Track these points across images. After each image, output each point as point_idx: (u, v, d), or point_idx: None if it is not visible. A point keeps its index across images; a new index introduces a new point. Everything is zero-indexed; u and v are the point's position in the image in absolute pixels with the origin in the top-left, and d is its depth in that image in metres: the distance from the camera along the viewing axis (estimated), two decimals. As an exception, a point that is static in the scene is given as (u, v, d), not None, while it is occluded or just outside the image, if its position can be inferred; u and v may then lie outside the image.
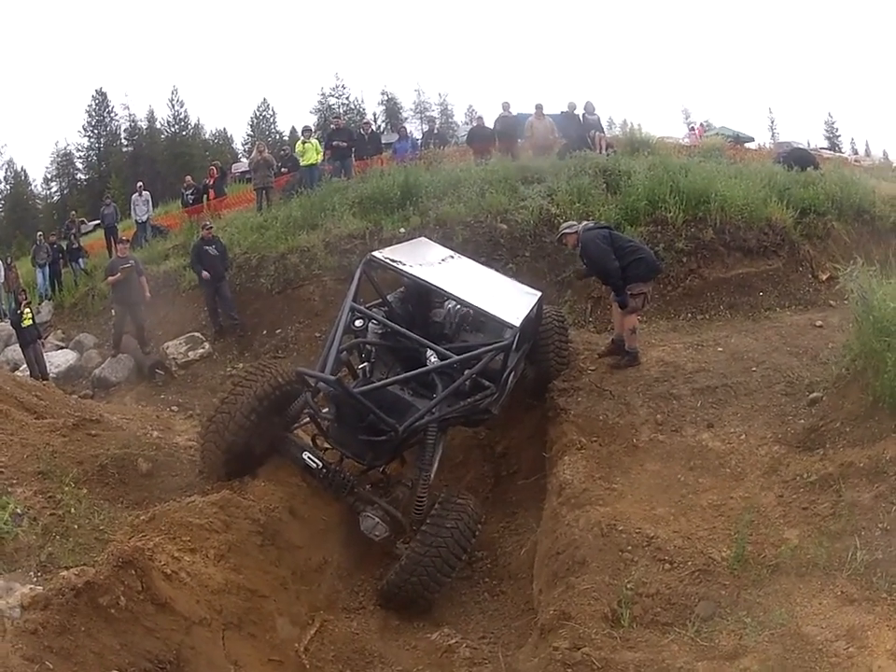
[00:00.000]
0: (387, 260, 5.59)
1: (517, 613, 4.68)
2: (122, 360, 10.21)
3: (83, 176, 48.59)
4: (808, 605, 3.05)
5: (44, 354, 10.55)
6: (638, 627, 3.24)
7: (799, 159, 11.73)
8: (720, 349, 7.02)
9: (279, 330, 9.94)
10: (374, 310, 5.90)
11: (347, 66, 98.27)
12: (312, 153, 12.50)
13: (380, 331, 5.58)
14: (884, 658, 2.59)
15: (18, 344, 10.98)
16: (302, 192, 11.92)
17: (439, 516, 4.77)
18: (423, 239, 7.57)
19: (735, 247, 8.82)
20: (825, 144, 46.90)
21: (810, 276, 8.87)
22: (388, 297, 6.19)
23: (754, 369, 6.31)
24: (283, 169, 13.89)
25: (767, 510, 4.02)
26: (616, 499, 4.47)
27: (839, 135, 54.86)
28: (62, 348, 11.60)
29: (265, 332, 10.07)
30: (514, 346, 5.32)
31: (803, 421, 5.03)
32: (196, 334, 10.15)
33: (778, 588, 3.27)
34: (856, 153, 42.85)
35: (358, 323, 5.47)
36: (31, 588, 3.52)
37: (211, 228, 10.55)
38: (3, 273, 14.17)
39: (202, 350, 9.89)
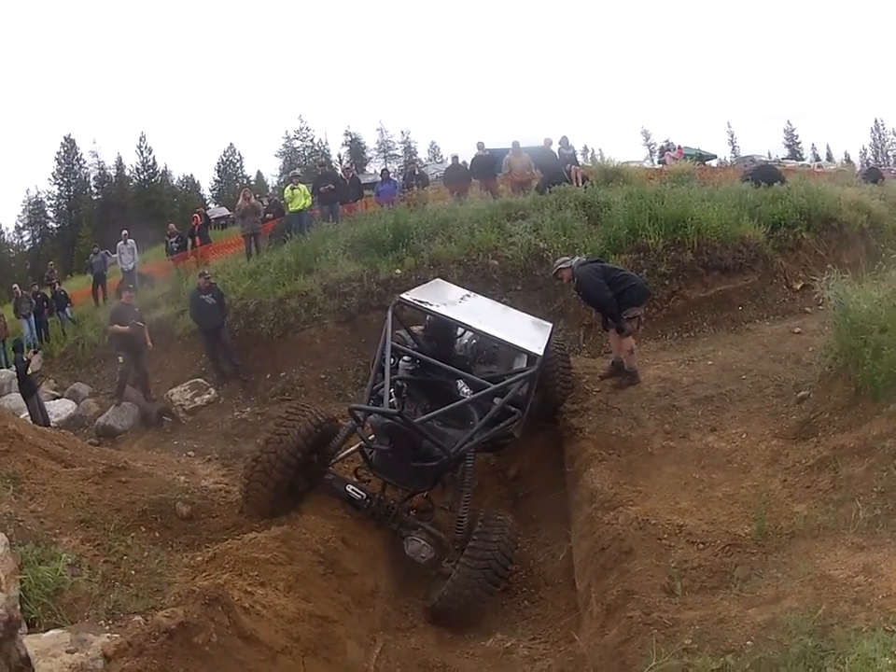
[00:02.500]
0: (416, 301, 6.03)
1: (560, 615, 5.05)
2: (127, 409, 10.24)
3: (54, 225, 48.40)
4: (826, 557, 3.57)
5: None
6: (691, 594, 3.73)
7: (765, 175, 12.67)
8: (709, 362, 7.62)
9: (283, 374, 10.19)
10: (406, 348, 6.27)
11: (311, 108, 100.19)
12: (300, 199, 12.89)
13: (410, 367, 5.97)
14: None
15: (14, 394, 10.93)
16: (292, 238, 12.25)
17: (483, 531, 5.13)
18: (439, 280, 8.04)
19: (713, 267, 9.50)
20: (786, 153, 49.02)
21: (785, 287, 9.60)
22: (411, 335, 6.59)
23: (744, 377, 6.93)
24: (268, 215, 14.26)
25: (775, 492, 4.55)
26: (643, 499, 4.96)
27: (799, 142, 57.36)
28: (57, 398, 11.55)
29: (269, 376, 10.30)
30: (537, 373, 5.79)
31: (795, 416, 5.62)
32: (200, 380, 10.32)
33: (799, 549, 3.79)
34: (818, 159, 44.77)
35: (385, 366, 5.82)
36: (109, 637, 3.56)
37: (209, 277, 10.78)
38: None
39: (207, 396, 10.05)
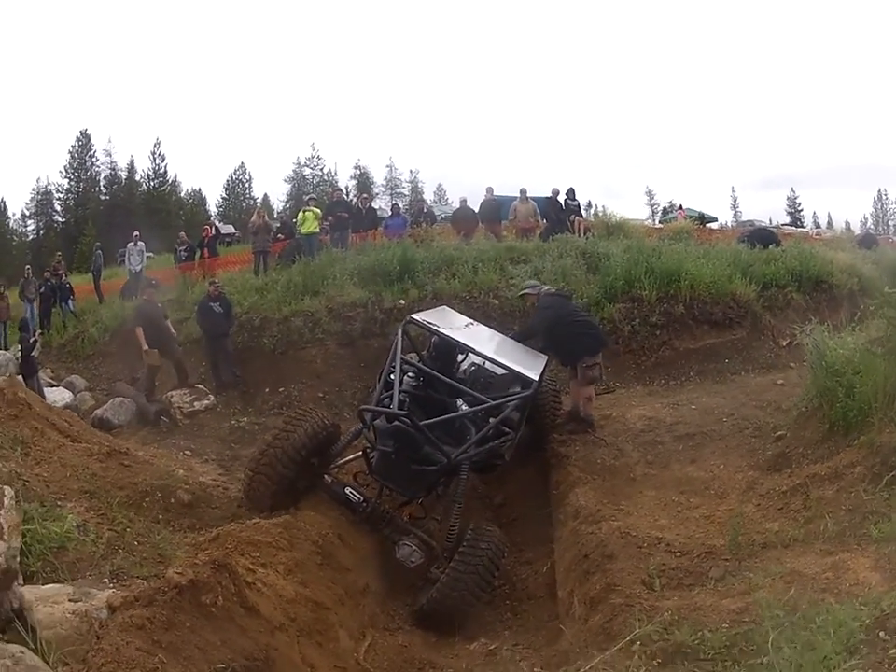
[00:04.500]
0: (425, 322, 6.44)
1: (541, 624, 5.27)
2: (125, 404, 10.38)
3: (60, 218, 48.62)
4: (797, 561, 3.86)
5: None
6: (668, 589, 4.03)
7: (761, 238, 13.20)
8: (693, 406, 8.01)
9: (282, 389, 10.52)
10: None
11: (323, 138, 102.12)
12: (312, 222, 13.39)
13: (413, 384, 6.32)
14: (864, 572, 3.41)
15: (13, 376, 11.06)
16: (301, 259, 12.74)
17: (473, 539, 5.41)
18: (445, 307, 8.48)
19: (703, 320, 9.99)
20: (787, 219, 50.42)
21: (771, 343, 10.03)
22: (418, 354, 6.97)
23: (725, 420, 7.31)
24: (279, 235, 14.74)
25: (750, 514, 4.87)
26: (625, 516, 5.27)
27: (801, 209, 58.79)
28: (53, 386, 11.63)
29: (268, 390, 10.61)
30: (533, 397, 6.17)
31: (770, 451, 5.99)
32: (200, 386, 10.57)
33: (770, 556, 4.09)
34: (818, 226, 46.05)
35: (392, 377, 6.15)
36: (114, 591, 3.62)
37: (219, 286, 11.17)
38: None
39: (206, 402, 10.27)
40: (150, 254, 19.45)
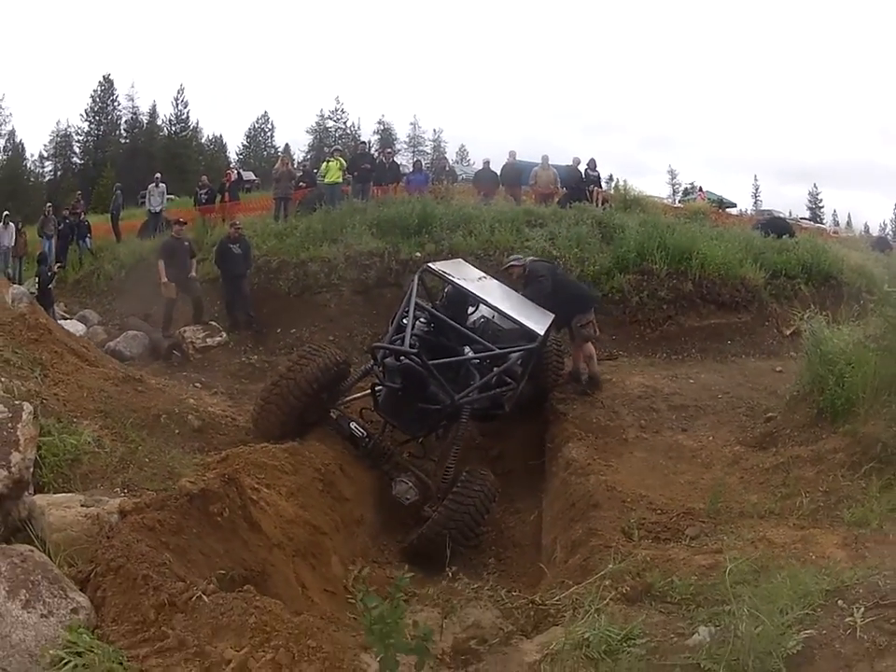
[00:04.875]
0: (441, 271, 6.62)
1: (522, 572, 5.53)
2: (138, 337, 10.69)
3: (79, 160, 48.45)
4: (770, 530, 4.09)
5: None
6: (646, 540, 4.30)
7: (776, 227, 13.24)
8: (691, 381, 8.23)
9: (294, 330, 10.76)
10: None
11: (348, 91, 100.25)
12: (335, 171, 13.48)
13: (425, 328, 6.53)
14: (832, 548, 3.61)
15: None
16: (322, 207, 12.87)
17: (467, 481, 5.66)
18: (461, 260, 8.64)
19: (711, 300, 10.12)
20: (806, 214, 49.70)
21: (775, 331, 10.16)
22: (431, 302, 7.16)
23: (720, 396, 7.55)
24: (301, 183, 14.83)
25: (732, 485, 5.14)
26: (613, 473, 5.54)
27: (822, 206, 57.79)
28: (66, 319, 11.79)
29: (279, 331, 10.85)
30: (537, 350, 6.38)
31: (759, 430, 6.25)
32: (213, 323, 10.80)
33: (746, 524, 4.33)
34: (837, 224, 45.48)
35: (405, 321, 6.38)
36: (125, 499, 3.82)
37: (240, 227, 11.35)
38: (14, 237, 14.39)
39: (219, 338, 10.51)
40: (172, 196, 19.58)
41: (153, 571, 2.83)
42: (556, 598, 3.56)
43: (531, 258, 8.25)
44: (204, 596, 2.73)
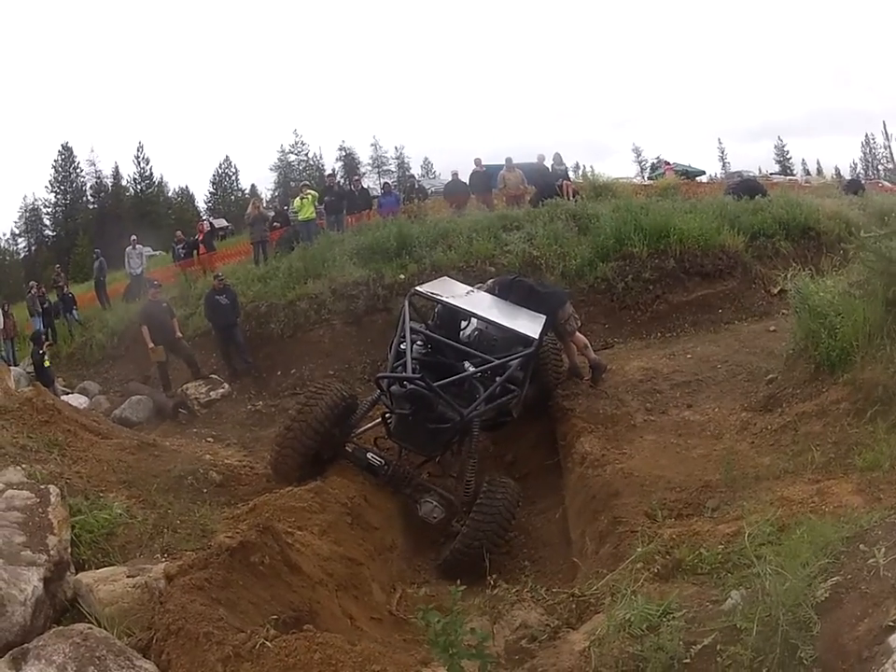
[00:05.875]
0: (429, 293, 6.79)
1: (558, 567, 5.65)
2: (142, 401, 10.73)
3: (50, 233, 48.84)
4: (787, 489, 4.21)
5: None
6: (670, 519, 4.43)
7: (748, 189, 13.45)
8: (688, 356, 8.41)
9: (294, 371, 10.89)
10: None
11: (305, 122, 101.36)
12: (308, 208, 13.65)
13: (423, 350, 6.68)
14: (847, 496, 3.75)
15: (25, 389, 11.39)
16: (300, 245, 13.02)
17: (490, 491, 5.79)
18: (446, 278, 8.82)
19: (695, 273, 10.33)
20: (776, 168, 50.12)
21: (763, 292, 10.37)
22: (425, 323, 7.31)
23: (719, 366, 7.73)
24: (275, 224, 15.00)
25: (744, 451, 5.28)
26: (628, 459, 5.65)
27: (790, 158, 58.23)
28: (67, 394, 11.84)
29: (280, 373, 10.99)
30: (535, 354, 6.54)
31: (762, 393, 6.37)
32: (214, 376, 10.94)
33: (762, 486, 4.46)
34: (808, 174, 45.93)
35: (403, 346, 6.52)
36: (168, 564, 3.95)
37: (223, 278, 11.49)
38: (2, 319, 14.34)
39: (221, 390, 10.63)
40: (161, 252, 19.62)
41: (212, 627, 2.96)
42: (594, 588, 3.69)
43: (490, 281, 8.27)
44: (268, 642, 2.86)
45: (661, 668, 2.51)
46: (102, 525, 4.51)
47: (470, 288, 7.87)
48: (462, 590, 5.40)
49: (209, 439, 9.25)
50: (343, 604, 4.54)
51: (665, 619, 2.80)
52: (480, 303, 7.19)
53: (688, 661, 2.55)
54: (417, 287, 7.15)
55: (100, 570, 4.00)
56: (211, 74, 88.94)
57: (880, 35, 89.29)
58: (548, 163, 14.48)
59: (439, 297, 6.86)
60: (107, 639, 2.98)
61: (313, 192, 14.21)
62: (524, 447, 7.86)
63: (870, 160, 58.97)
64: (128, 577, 3.90)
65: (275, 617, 3.55)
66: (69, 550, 4.04)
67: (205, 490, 6.17)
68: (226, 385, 10.76)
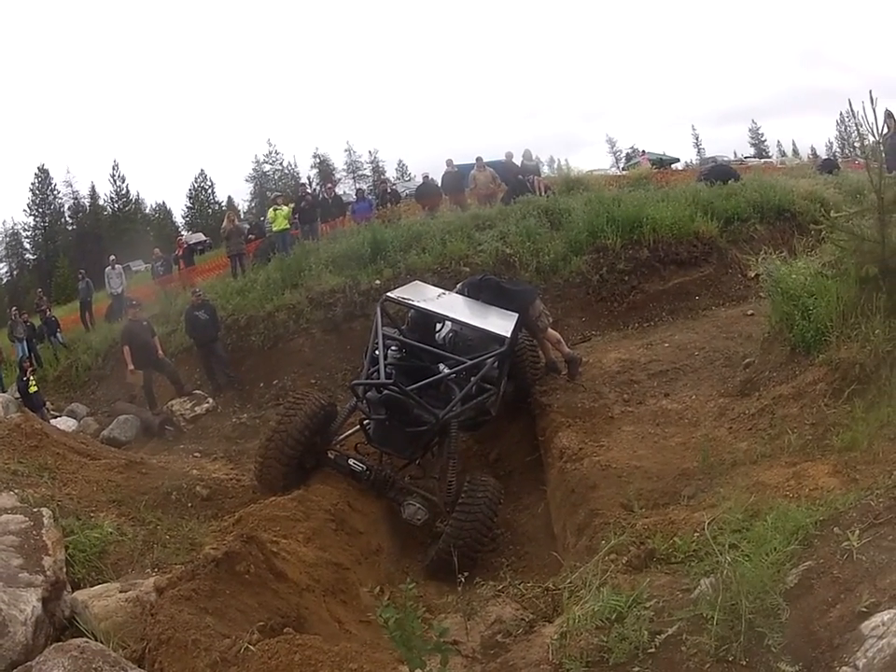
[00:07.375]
0: (401, 298, 6.85)
1: (543, 564, 5.68)
2: (129, 420, 10.74)
3: (31, 256, 48.72)
4: (763, 473, 4.26)
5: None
6: (646, 510, 4.46)
7: (720, 174, 13.54)
8: (666, 345, 8.48)
9: (276, 381, 10.90)
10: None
11: (279, 132, 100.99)
12: (282, 220, 13.65)
13: (398, 355, 6.73)
14: (824, 478, 3.77)
15: (13, 415, 11.32)
16: (276, 256, 13.01)
17: (471, 491, 5.85)
18: (417, 282, 8.81)
19: (670, 261, 10.41)
20: (752, 151, 50.31)
21: (740, 276, 10.45)
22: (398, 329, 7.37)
23: (696, 353, 7.80)
24: (251, 236, 14.99)
25: (721, 437, 5.32)
26: (605, 451, 5.70)
27: (765, 140, 58.48)
28: (55, 417, 11.83)
29: (262, 385, 11.00)
30: (508, 352, 6.61)
31: (739, 378, 6.42)
32: (198, 392, 10.95)
33: (739, 472, 4.50)
34: (783, 155, 46.28)
35: (377, 352, 6.54)
36: (158, 578, 4.05)
37: (201, 294, 11.49)
38: None
39: (206, 405, 10.67)
40: (148, 265, 19.41)
41: (200, 635, 3.07)
42: (568, 581, 3.75)
43: (457, 287, 8.25)
44: (251, 647, 2.98)
45: (625, 658, 2.57)
46: (94, 543, 4.62)
47: (442, 291, 7.93)
48: (441, 589, 5.63)
49: (196, 454, 9.26)
50: (331, 608, 4.58)
51: (633, 609, 2.84)
52: (451, 305, 7.25)
53: (652, 650, 2.59)
54: (389, 294, 7.20)
55: (94, 587, 4.11)
56: (182, 87, 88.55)
57: (850, 14, 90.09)
58: (517, 160, 14.55)
59: (410, 302, 6.92)
60: (103, 652, 3.05)
61: (285, 208, 14.24)
62: (507, 444, 7.93)
63: (845, 138, 59.47)
64: (121, 592, 3.99)
65: (262, 623, 3.57)
66: (64, 569, 4.15)
67: (193, 505, 6.27)
68: (210, 400, 10.77)
